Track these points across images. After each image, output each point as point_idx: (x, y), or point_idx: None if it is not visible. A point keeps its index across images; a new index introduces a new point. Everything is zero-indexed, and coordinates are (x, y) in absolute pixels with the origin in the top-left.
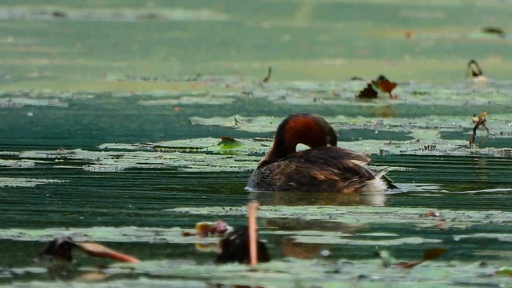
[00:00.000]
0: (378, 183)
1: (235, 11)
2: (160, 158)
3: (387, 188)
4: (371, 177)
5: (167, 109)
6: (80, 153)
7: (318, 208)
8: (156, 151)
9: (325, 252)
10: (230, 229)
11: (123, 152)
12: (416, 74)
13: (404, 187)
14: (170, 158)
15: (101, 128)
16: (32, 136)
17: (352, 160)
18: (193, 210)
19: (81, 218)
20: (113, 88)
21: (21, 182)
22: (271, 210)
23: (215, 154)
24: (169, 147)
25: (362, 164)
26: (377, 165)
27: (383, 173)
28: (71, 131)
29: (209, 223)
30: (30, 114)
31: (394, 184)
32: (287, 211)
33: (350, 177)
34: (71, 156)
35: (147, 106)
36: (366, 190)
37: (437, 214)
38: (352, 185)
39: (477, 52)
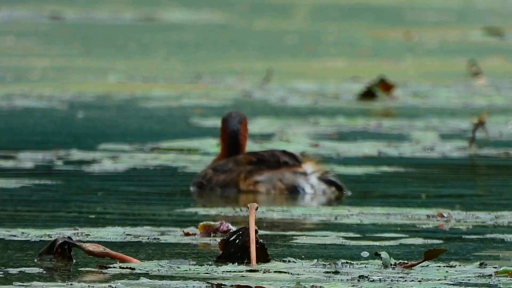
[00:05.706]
0: (291, 176)
1: (235, 12)
2: (157, 160)
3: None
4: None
5: (167, 110)
6: (80, 154)
7: (328, 209)
8: (155, 152)
9: (365, 253)
10: (233, 229)
11: (122, 153)
12: (417, 75)
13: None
14: (167, 160)
15: (101, 129)
16: (32, 136)
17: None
18: (193, 210)
19: (82, 218)
20: (113, 89)
21: (20, 182)
22: (281, 211)
23: (213, 155)
24: (167, 148)
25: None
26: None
27: (318, 174)
28: (71, 132)
29: (212, 222)
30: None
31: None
32: (295, 212)
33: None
34: (69, 157)
35: (147, 107)
36: (265, 182)
37: (446, 216)
38: (252, 177)
39: (477, 53)
